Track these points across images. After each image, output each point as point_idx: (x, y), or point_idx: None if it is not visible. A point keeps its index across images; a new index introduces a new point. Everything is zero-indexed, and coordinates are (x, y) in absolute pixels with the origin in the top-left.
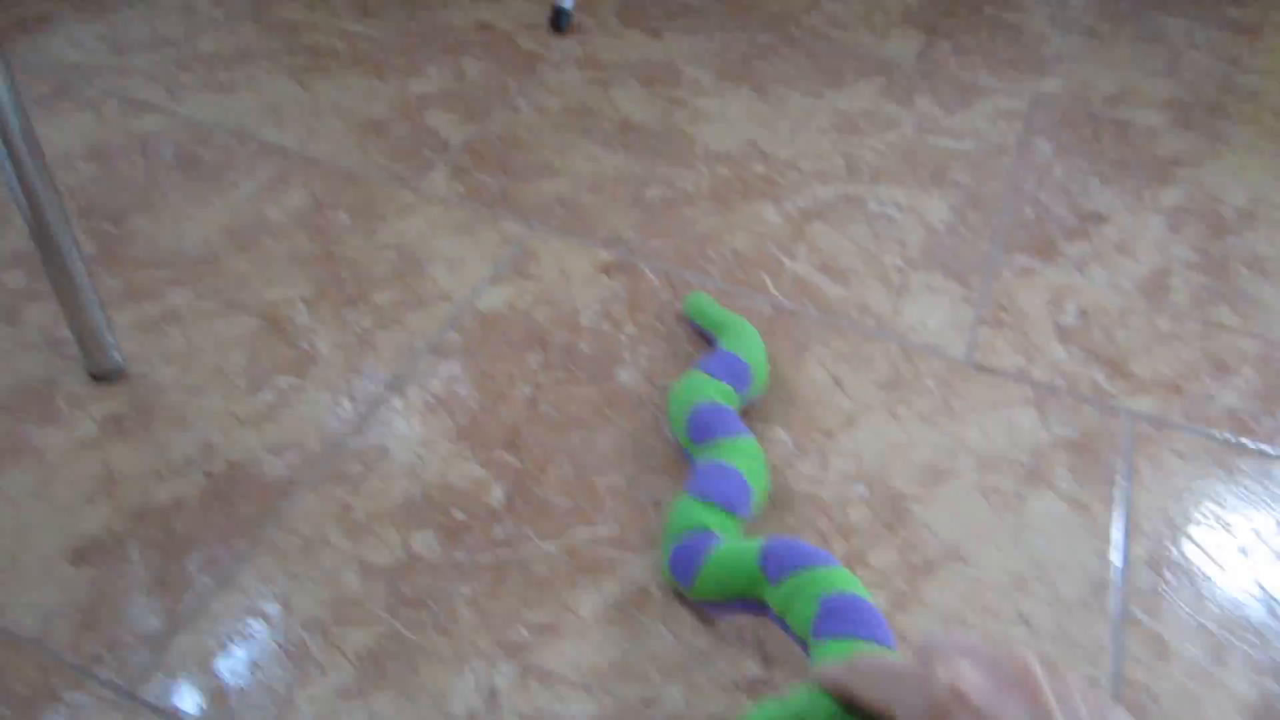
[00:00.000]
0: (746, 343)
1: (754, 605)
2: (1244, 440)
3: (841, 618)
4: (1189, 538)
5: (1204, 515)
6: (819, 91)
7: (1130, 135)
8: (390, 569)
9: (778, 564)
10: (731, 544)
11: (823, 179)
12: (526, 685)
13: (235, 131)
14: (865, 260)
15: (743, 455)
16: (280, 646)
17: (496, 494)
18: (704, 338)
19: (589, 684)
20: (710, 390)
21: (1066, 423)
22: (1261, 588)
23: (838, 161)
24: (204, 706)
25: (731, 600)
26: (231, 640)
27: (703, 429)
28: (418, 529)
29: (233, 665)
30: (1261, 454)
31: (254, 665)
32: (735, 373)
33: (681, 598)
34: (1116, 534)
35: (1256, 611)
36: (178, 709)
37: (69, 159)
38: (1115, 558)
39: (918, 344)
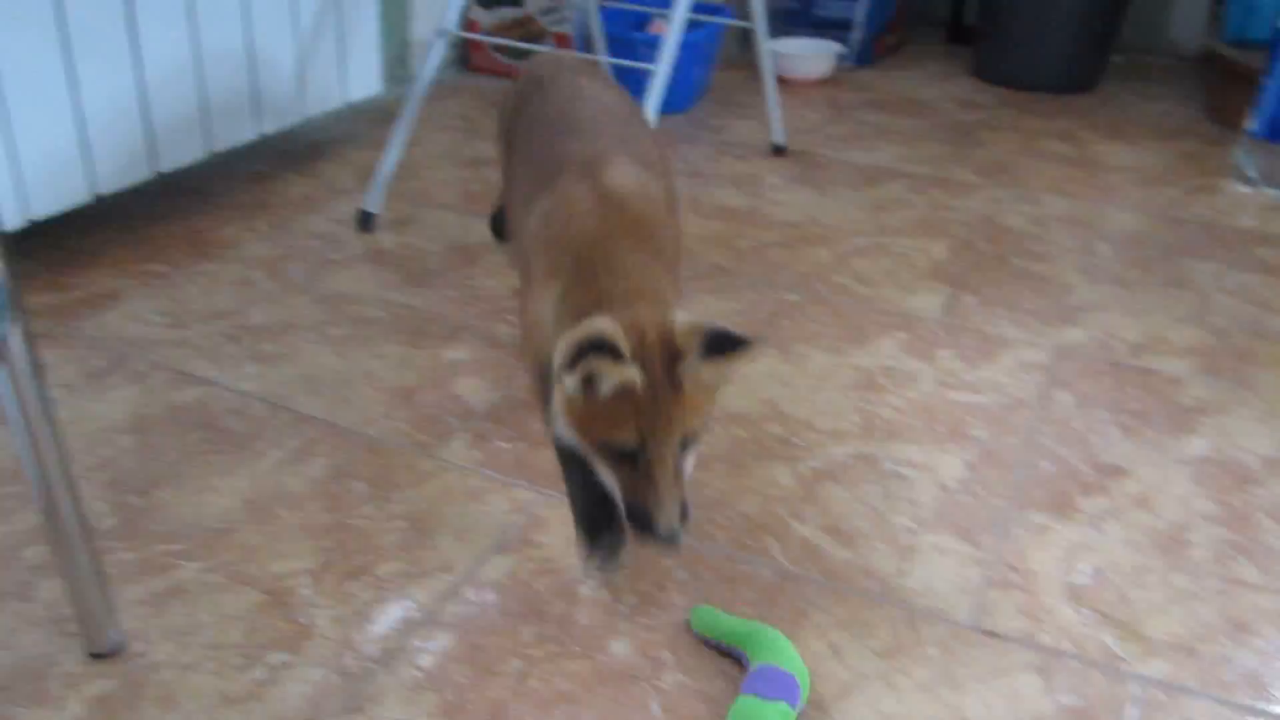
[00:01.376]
0: (780, 652)
1: None
2: (1261, 704)
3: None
4: None
5: None
6: (841, 348)
7: (1154, 384)
8: None
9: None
10: None
11: (838, 438)
12: None
13: (269, 402)
14: (874, 521)
15: None
16: None
17: None
18: (724, 654)
19: None
20: (771, 715)
21: (1071, 690)
22: None
23: (854, 419)
24: None
25: None
26: None
27: None
28: None
29: None
30: (1265, 709)
31: None
32: (786, 688)
33: None
34: None
35: None
36: None
37: (110, 432)
38: None
39: (922, 608)
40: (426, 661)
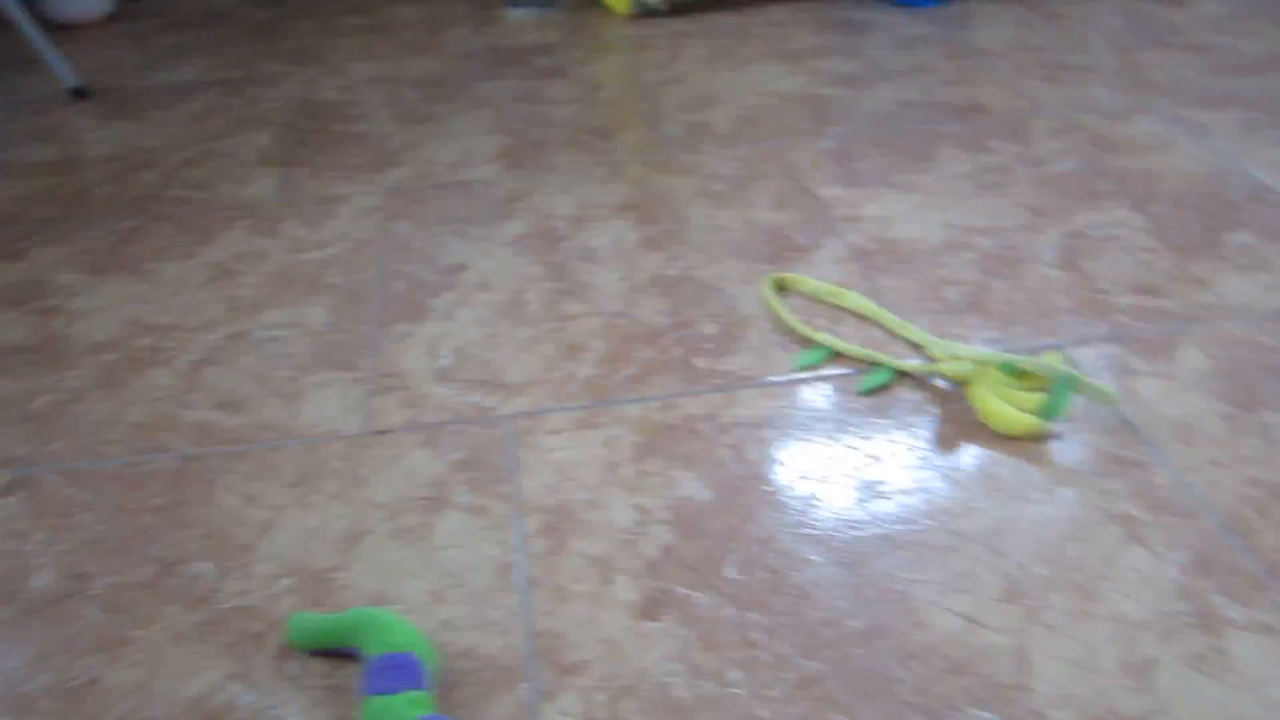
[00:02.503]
0: (389, 632)
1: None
2: (603, 401)
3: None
4: (568, 497)
5: (577, 474)
6: (191, 252)
7: (474, 191)
8: None
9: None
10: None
11: (207, 328)
12: None
13: None
14: (259, 385)
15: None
16: None
17: None
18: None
19: None
20: (403, 709)
21: (457, 447)
22: (627, 507)
23: (219, 308)
24: None
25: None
26: None
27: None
28: None
29: None
30: (616, 405)
31: None
32: (408, 673)
33: None
34: (513, 520)
35: (627, 529)
36: None
37: None
38: (515, 540)
39: (318, 435)
40: None
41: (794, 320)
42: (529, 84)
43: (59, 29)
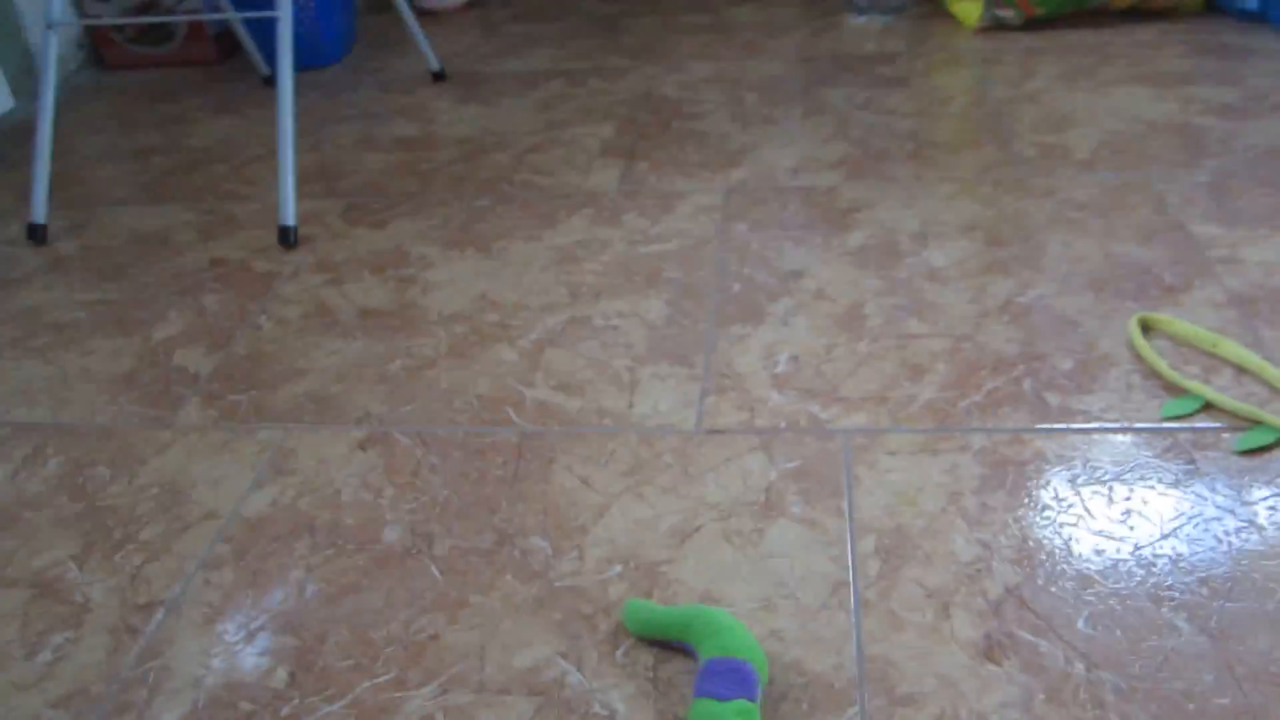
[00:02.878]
0: (725, 635)
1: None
2: (945, 426)
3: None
4: (905, 521)
5: (915, 499)
6: (537, 235)
7: (813, 197)
8: None
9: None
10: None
11: (550, 310)
12: None
13: None
14: (597, 370)
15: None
16: None
17: (280, 675)
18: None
19: None
20: (730, 717)
21: (791, 456)
22: (969, 541)
23: (561, 292)
24: None
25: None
26: None
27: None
28: None
29: None
30: (960, 433)
31: None
32: (741, 681)
33: None
34: (845, 537)
35: (969, 563)
36: None
37: None
38: (848, 558)
39: (653, 428)
40: (212, 597)
41: (1162, 365)
42: (870, 93)
43: (423, 14)
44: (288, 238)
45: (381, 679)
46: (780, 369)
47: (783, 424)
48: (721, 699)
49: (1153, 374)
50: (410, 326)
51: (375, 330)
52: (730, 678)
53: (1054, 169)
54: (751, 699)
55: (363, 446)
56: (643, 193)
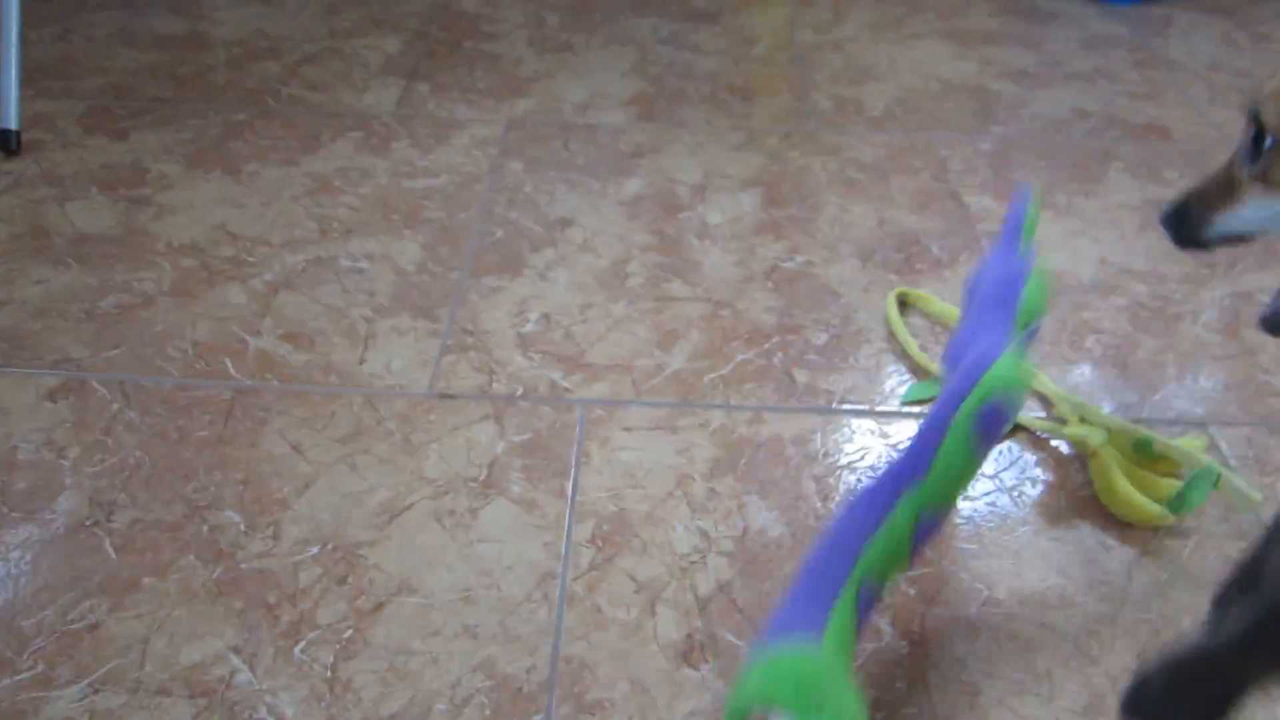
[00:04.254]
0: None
1: None
2: (688, 400)
3: None
4: (628, 506)
5: (643, 481)
6: (294, 159)
7: (598, 137)
8: None
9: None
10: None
11: (293, 247)
12: None
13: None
14: (333, 319)
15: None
16: None
17: None
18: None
19: None
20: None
21: (523, 428)
22: (689, 529)
23: (310, 226)
24: None
25: None
26: None
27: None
28: None
29: None
30: (701, 409)
31: None
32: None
33: None
34: (564, 522)
35: (685, 554)
36: None
37: None
38: (561, 545)
39: (381, 389)
40: None
41: (913, 345)
42: (678, 26)
43: None
44: (7, 143)
45: (23, 676)
46: (528, 328)
47: (519, 391)
48: None
49: (904, 354)
50: (133, 256)
51: (92, 258)
52: None
53: (845, 124)
54: None
55: (53, 397)
56: (419, 118)
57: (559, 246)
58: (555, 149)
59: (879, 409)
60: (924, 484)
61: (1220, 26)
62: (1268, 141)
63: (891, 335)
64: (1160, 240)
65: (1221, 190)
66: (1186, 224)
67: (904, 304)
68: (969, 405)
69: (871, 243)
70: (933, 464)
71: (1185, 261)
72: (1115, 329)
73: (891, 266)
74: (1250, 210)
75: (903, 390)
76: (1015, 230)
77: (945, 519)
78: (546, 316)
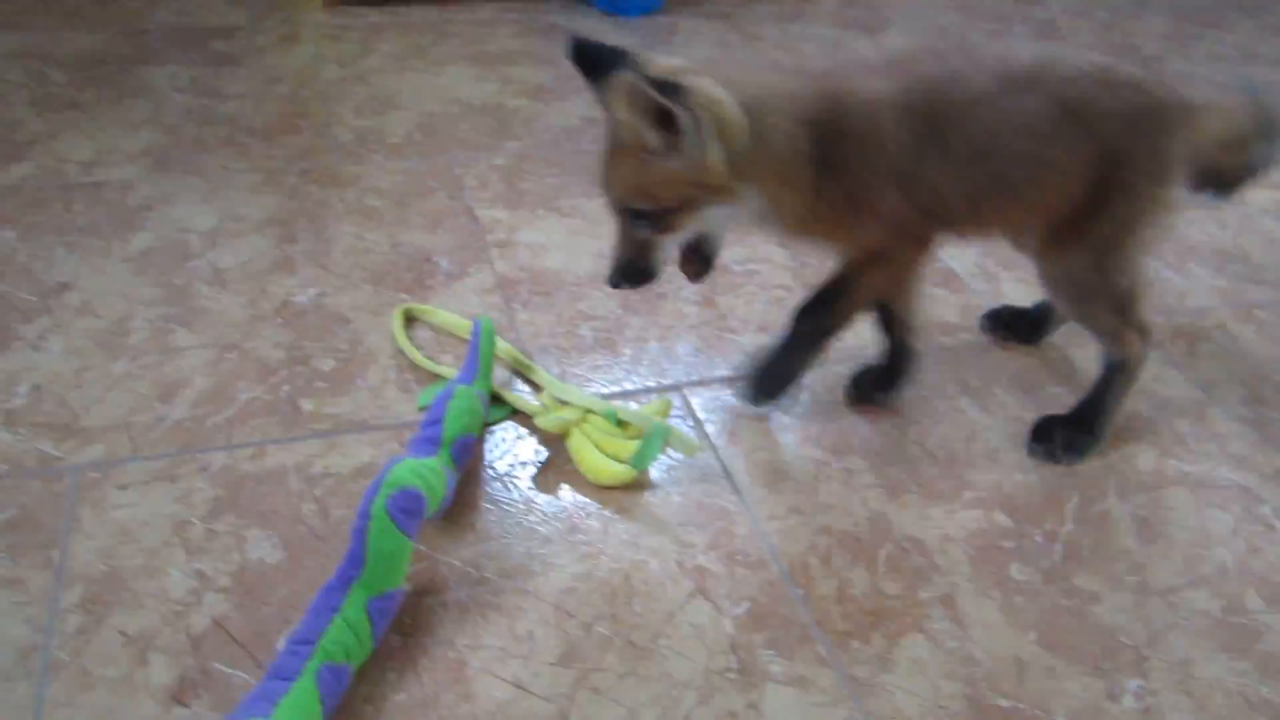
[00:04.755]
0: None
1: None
2: (187, 449)
3: None
4: (120, 563)
5: (138, 535)
6: None
7: (105, 195)
8: None
9: None
10: None
11: None
12: None
13: None
14: None
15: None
16: None
17: None
18: None
19: None
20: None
21: (6, 505)
22: (186, 573)
23: None
24: None
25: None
26: None
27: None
28: None
29: None
30: (201, 454)
31: None
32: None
33: None
34: (50, 592)
35: (179, 599)
36: None
37: None
38: (46, 617)
39: None
40: None
41: (417, 354)
42: (199, 71)
43: None
44: None
45: None
46: (16, 402)
47: (4, 468)
48: None
49: (412, 366)
50: None
51: None
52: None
53: (365, 155)
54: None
55: None
56: None
57: (54, 313)
58: (56, 212)
59: (382, 423)
60: (364, 575)
61: (717, 30)
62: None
63: (400, 352)
64: None
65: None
66: (635, 273)
67: (411, 320)
68: (379, 501)
69: (384, 267)
70: (366, 556)
71: None
72: (607, 314)
73: (403, 286)
74: (683, 234)
75: (411, 400)
76: (473, 359)
77: (396, 601)
78: (37, 387)
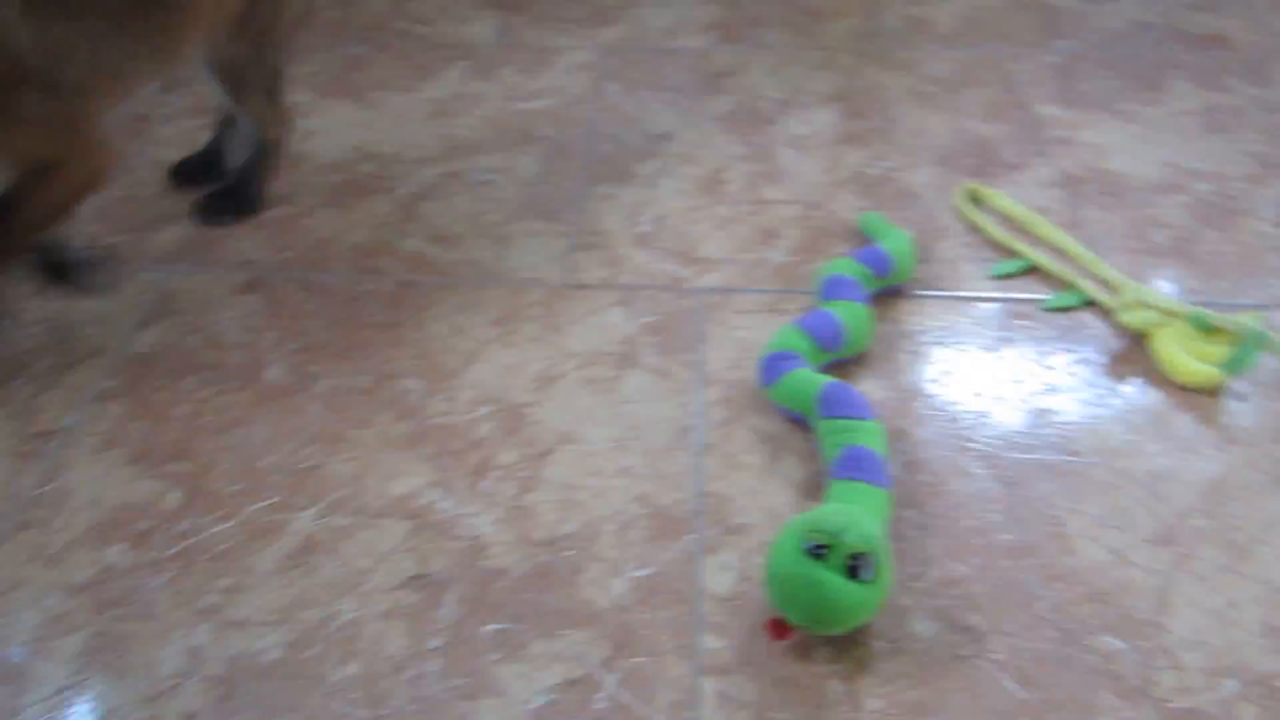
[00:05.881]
0: (895, 243)
1: (805, 421)
2: (791, 287)
3: (853, 466)
4: (748, 375)
5: (757, 353)
6: (412, 87)
7: (685, 60)
8: (90, 583)
9: (827, 405)
10: (805, 372)
11: (425, 163)
12: (224, 636)
13: None
14: (470, 224)
15: (849, 312)
16: None
17: (173, 498)
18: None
19: (276, 620)
20: (851, 269)
21: (650, 312)
22: None
23: (436, 145)
24: None
25: (792, 411)
26: None
27: (830, 289)
28: (108, 545)
29: None
30: (803, 294)
31: None
32: (875, 260)
33: None
34: (694, 387)
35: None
36: None
37: None
38: (695, 405)
39: (521, 280)
40: (104, 428)
41: (994, 230)
42: None
43: None
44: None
45: (268, 502)
46: (643, 228)
47: (643, 281)
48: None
49: (981, 245)
50: (287, 174)
51: None
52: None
53: (916, 42)
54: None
55: (243, 291)
56: (519, 46)
57: (661, 158)
58: (648, 71)
59: (959, 293)
60: None
61: None
62: None
63: (970, 231)
64: (1223, 142)
65: None
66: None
67: (976, 202)
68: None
69: (947, 149)
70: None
71: (1246, 162)
72: (1179, 223)
73: (967, 170)
74: None
75: (982, 276)
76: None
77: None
78: (658, 218)
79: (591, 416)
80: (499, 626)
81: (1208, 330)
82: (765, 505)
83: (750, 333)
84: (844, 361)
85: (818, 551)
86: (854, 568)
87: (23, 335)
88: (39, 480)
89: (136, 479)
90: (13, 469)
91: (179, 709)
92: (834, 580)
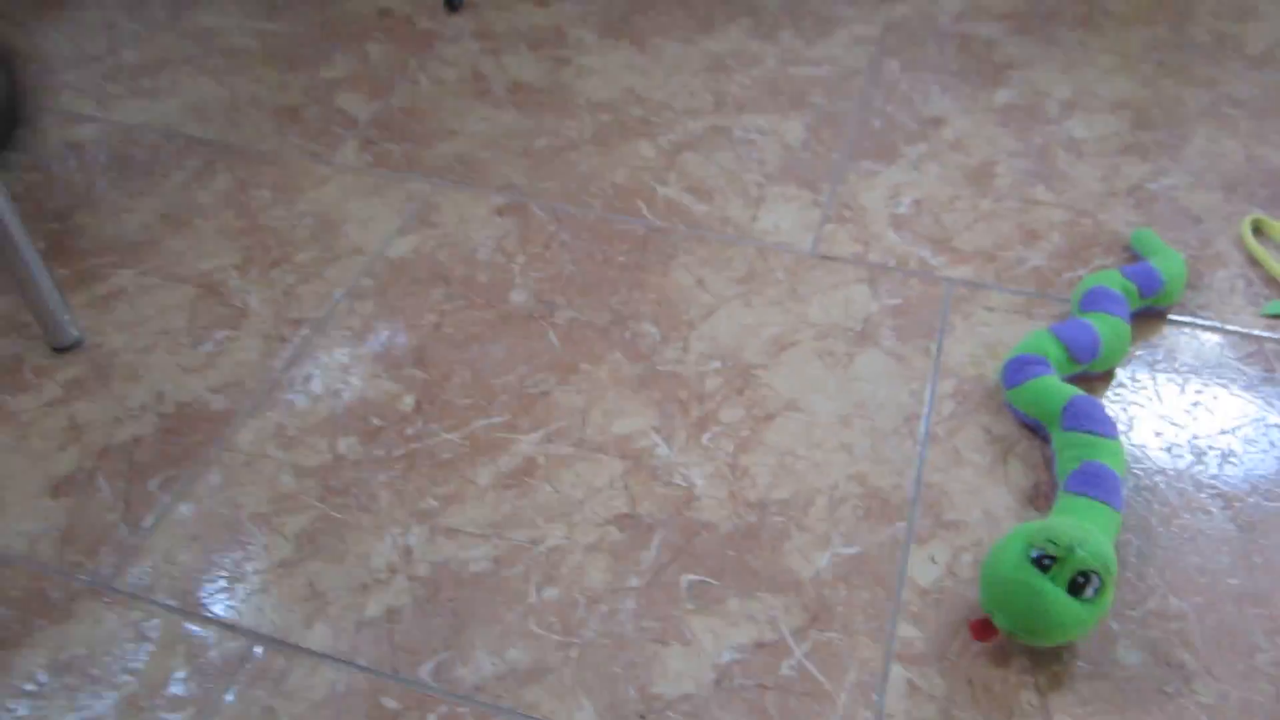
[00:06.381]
0: (1167, 263)
1: (1041, 429)
2: (1045, 293)
3: (1089, 483)
4: (986, 372)
5: (1001, 353)
6: (692, 38)
7: (972, 46)
8: (319, 468)
9: (1074, 417)
10: (1053, 380)
11: (693, 115)
12: (435, 541)
13: (162, 131)
14: (728, 180)
15: (1107, 326)
16: (231, 536)
17: (407, 401)
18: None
19: (487, 533)
20: (1116, 283)
21: (894, 294)
22: None
23: (707, 98)
24: (170, 588)
25: (1029, 417)
26: (189, 538)
27: (1091, 300)
28: (341, 436)
29: (191, 556)
30: (1057, 302)
31: (209, 552)
32: (1145, 277)
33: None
34: (928, 376)
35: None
36: (150, 595)
37: (11, 170)
38: (926, 394)
39: (771, 243)
40: (354, 324)
41: (1272, 262)
42: None
43: None
44: (452, 2)
45: (496, 420)
46: (901, 210)
47: (892, 262)
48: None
49: (1259, 280)
50: (558, 106)
51: (525, 105)
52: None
53: (1222, 59)
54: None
55: (501, 212)
56: (802, 12)
57: (931, 142)
58: (930, 53)
59: (1227, 326)
60: None
61: None
62: None
63: (1251, 263)
64: None
65: None
66: None
67: (1259, 232)
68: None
69: (1238, 175)
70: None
71: None
72: None
73: (1257, 200)
74: None
75: (1254, 312)
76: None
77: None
78: (917, 202)
79: (820, 388)
80: (698, 578)
81: None
82: (983, 505)
83: (994, 331)
84: (1090, 375)
85: (1044, 562)
86: (1079, 584)
87: (292, 225)
88: (286, 364)
89: (376, 377)
90: (266, 350)
91: (384, 602)
92: (1055, 593)
